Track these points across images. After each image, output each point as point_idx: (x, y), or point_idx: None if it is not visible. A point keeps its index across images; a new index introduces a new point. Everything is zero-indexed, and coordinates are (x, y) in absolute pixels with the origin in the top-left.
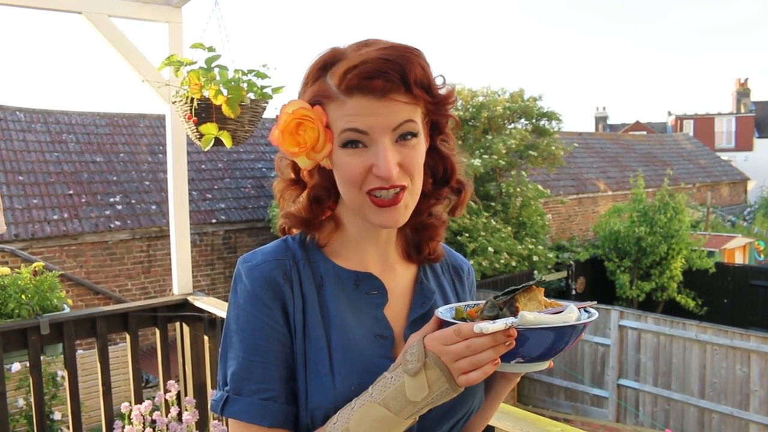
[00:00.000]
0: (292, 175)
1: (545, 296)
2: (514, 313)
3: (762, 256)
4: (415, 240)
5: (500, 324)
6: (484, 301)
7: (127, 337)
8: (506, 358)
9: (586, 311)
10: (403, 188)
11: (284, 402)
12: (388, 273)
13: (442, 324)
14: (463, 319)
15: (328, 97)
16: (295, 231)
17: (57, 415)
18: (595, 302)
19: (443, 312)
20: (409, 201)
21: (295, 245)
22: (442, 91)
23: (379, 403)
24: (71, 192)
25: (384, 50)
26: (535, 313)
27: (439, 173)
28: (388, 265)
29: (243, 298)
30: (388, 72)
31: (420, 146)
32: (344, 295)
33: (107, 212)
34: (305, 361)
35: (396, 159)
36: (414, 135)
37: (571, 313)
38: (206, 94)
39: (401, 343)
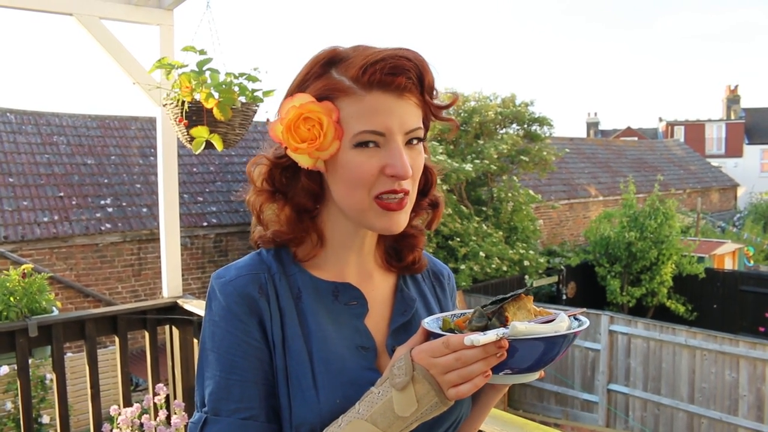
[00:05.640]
0: (269, 186)
1: (535, 303)
2: (504, 323)
3: (751, 261)
4: (396, 249)
5: (492, 335)
6: (471, 311)
7: (117, 340)
8: (495, 369)
9: (576, 319)
10: (407, 193)
11: (265, 420)
12: (366, 282)
13: (430, 335)
14: (451, 330)
15: (342, 91)
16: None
17: (45, 419)
18: (585, 309)
19: (430, 323)
20: (410, 207)
21: (270, 258)
22: (436, 101)
23: (366, 419)
24: (62, 194)
25: (402, 50)
26: (527, 323)
27: (420, 184)
28: (366, 274)
29: (218, 315)
30: (410, 70)
31: (422, 152)
32: (323, 306)
33: (98, 215)
34: (287, 376)
35: (408, 160)
36: (420, 140)
37: (561, 321)
38: (197, 97)
39: (384, 353)
